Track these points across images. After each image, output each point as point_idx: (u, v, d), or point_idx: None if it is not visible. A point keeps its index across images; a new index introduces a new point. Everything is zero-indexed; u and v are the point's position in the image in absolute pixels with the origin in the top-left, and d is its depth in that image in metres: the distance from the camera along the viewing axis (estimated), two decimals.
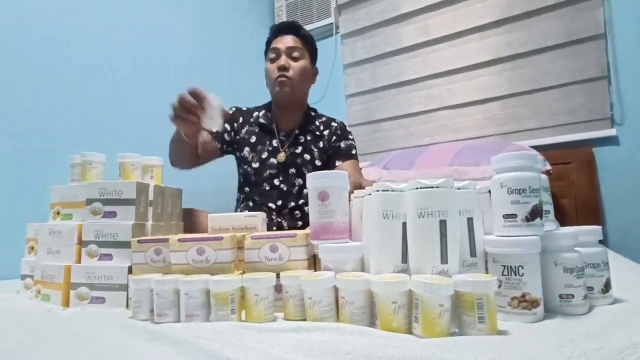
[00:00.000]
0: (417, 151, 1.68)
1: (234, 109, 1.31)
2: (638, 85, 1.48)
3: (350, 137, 1.33)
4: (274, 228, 1.21)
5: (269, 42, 1.30)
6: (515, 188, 0.52)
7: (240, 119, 1.30)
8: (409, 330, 0.46)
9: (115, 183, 0.71)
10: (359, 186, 0.93)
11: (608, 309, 0.51)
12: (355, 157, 1.31)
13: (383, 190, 0.54)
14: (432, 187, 0.50)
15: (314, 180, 0.62)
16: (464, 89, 1.82)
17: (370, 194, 0.56)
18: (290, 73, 1.22)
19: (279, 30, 1.30)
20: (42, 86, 1.35)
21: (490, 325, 0.44)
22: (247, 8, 2.22)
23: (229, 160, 1.37)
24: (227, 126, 1.27)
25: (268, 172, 1.25)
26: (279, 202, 1.24)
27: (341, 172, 0.63)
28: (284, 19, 2.28)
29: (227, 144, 1.28)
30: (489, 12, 1.77)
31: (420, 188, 0.51)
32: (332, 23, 2.16)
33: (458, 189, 0.54)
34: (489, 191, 0.57)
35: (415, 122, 1.95)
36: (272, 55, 1.25)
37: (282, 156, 1.25)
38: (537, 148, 1.47)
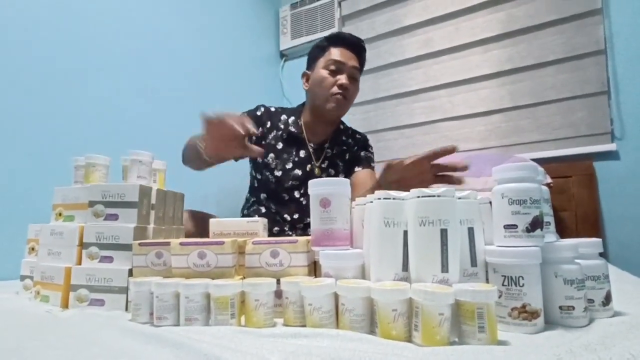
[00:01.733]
0: None
1: (262, 108, 1.26)
2: (638, 101, 1.50)
3: (371, 149, 1.35)
4: None
5: (325, 48, 1.22)
6: (516, 199, 0.53)
7: (269, 123, 1.24)
8: (409, 339, 0.46)
9: (118, 186, 0.72)
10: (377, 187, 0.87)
11: (608, 321, 0.51)
12: (373, 168, 1.31)
13: (384, 198, 0.54)
14: (434, 196, 0.51)
15: (316, 187, 0.62)
16: (466, 101, 1.84)
17: (371, 202, 0.57)
18: (348, 94, 1.19)
19: (346, 42, 1.22)
20: (46, 87, 1.36)
21: (490, 335, 0.44)
22: (252, 17, 2.25)
23: (237, 165, 1.37)
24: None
25: (290, 183, 1.21)
26: (296, 216, 1.21)
27: (343, 180, 0.64)
28: (289, 29, 2.31)
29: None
30: (491, 26, 1.79)
31: (422, 196, 0.51)
32: None
33: (459, 198, 0.55)
34: (490, 202, 0.58)
35: (417, 133, 1.96)
36: (333, 67, 1.18)
37: (317, 170, 1.24)
38: (538, 161, 1.48)
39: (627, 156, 1.50)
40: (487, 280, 0.54)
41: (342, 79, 1.17)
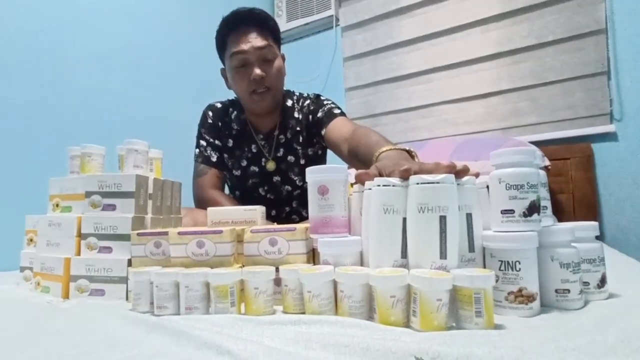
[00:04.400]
0: (417, 146, 1.68)
1: (210, 112, 1.17)
2: (637, 82, 1.48)
3: (325, 102, 1.16)
4: None
5: (225, 38, 1.07)
6: (513, 184, 0.53)
7: (220, 123, 1.17)
8: (407, 324, 0.47)
9: (114, 175, 0.71)
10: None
11: (603, 303, 0.51)
12: (340, 115, 1.11)
13: (384, 185, 0.54)
14: (433, 183, 0.50)
15: (314, 174, 0.62)
16: (464, 83, 1.82)
17: (370, 189, 0.57)
18: (268, 81, 1.06)
19: (240, 21, 1.05)
20: (42, 78, 1.34)
21: (487, 320, 0.45)
22: (247, 2, 2.20)
23: None
24: (218, 142, 1.17)
25: (251, 181, 1.16)
26: (273, 212, 1.17)
27: (341, 167, 0.63)
28: (284, 11, 2.26)
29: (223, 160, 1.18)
30: (490, 6, 1.76)
31: (421, 183, 0.51)
32: (332, 15, 2.15)
33: (458, 184, 0.54)
34: (487, 186, 0.57)
35: (415, 116, 1.95)
36: (240, 62, 1.04)
37: (271, 165, 1.15)
38: (536, 143, 1.48)
39: (626, 138, 1.50)
40: (485, 265, 0.54)
41: (255, 72, 1.03)
